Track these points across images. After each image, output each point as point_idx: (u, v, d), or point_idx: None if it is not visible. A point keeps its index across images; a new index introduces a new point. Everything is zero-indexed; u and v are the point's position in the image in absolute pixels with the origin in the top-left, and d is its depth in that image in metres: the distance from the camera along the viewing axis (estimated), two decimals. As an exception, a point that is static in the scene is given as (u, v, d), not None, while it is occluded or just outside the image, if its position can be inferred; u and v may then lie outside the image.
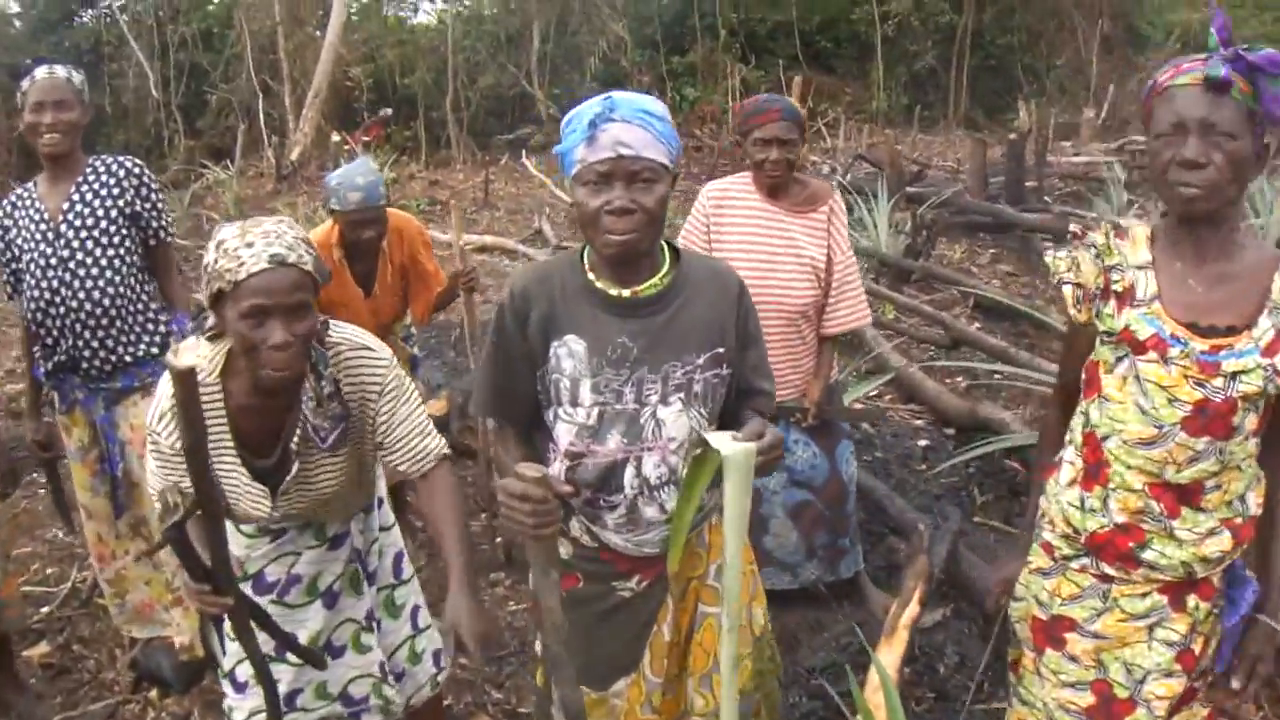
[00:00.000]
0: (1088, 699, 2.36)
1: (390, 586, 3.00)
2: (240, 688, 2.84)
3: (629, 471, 2.37)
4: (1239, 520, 2.22)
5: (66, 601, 4.56)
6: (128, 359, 3.60)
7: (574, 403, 2.35)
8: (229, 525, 2.77)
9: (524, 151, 17.77)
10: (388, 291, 4.41)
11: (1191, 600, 2.27)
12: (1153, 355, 2.13)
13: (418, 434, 2.62)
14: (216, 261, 2.31)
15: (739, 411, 2.45)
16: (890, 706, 2.87)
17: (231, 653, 2.82)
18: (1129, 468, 2.21)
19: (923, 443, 5.83)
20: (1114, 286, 2.20)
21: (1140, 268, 2.18)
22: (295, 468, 2.54)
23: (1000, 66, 22.44)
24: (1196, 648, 2.30)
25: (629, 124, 2.16)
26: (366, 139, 15.10)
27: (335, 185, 4.10)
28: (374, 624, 2.91)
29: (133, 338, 3.60)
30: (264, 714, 2.83)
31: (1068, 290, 2.28)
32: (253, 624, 2.55)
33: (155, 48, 20.14)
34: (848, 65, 22.62)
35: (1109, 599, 2.31)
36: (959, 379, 6.82)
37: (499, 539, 4.82)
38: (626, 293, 2.30)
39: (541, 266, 2.44)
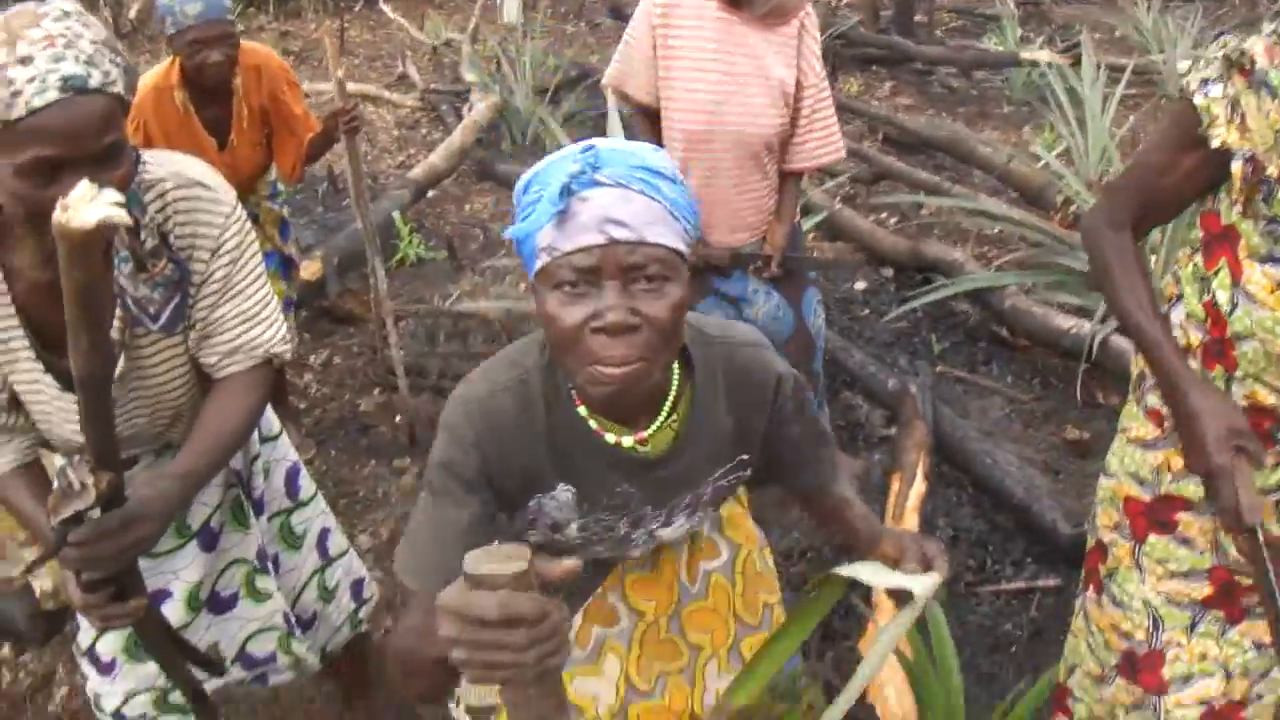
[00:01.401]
0: (1204, 589, 1.86)
1: (285, 512, 2.33)
2: (106, 668, 2.17)
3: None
4: None
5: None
6: None
7: (554, 532, 1.69)
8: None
9: (379, -3, 16.67)
10: (246, 141, 3.64)
11: None
12: None
13: (251, 319, 1.89)
14: None
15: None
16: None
17: (87, 624, 2.12)
18: (1263, 372, 1.67)
19: (860, 285, 5.29)
20: None
21: None
22: (121, 363, 1.79)
23: (872, -102, 21.76)
24: None
25: (625, 189, 1.36)
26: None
27: (168, 2, 3.33)
28: (269, 563, 2.26)
29: None
30: (143, 696, 2.19)
31: (1236, 167, 1.59)
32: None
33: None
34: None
35: None
36: (884, 215, 6.28)
37: (399, 417, 4.17)
38: (628, 441, 1.57)
39: (509, 397, 1.57)
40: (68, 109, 1.49)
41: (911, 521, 3.04)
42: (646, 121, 3.27)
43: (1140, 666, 1.94)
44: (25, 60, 1.47)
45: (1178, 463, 1.83)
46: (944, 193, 5.94)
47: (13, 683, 3.08)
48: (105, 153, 1.56)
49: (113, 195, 1.24)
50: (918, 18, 11.80)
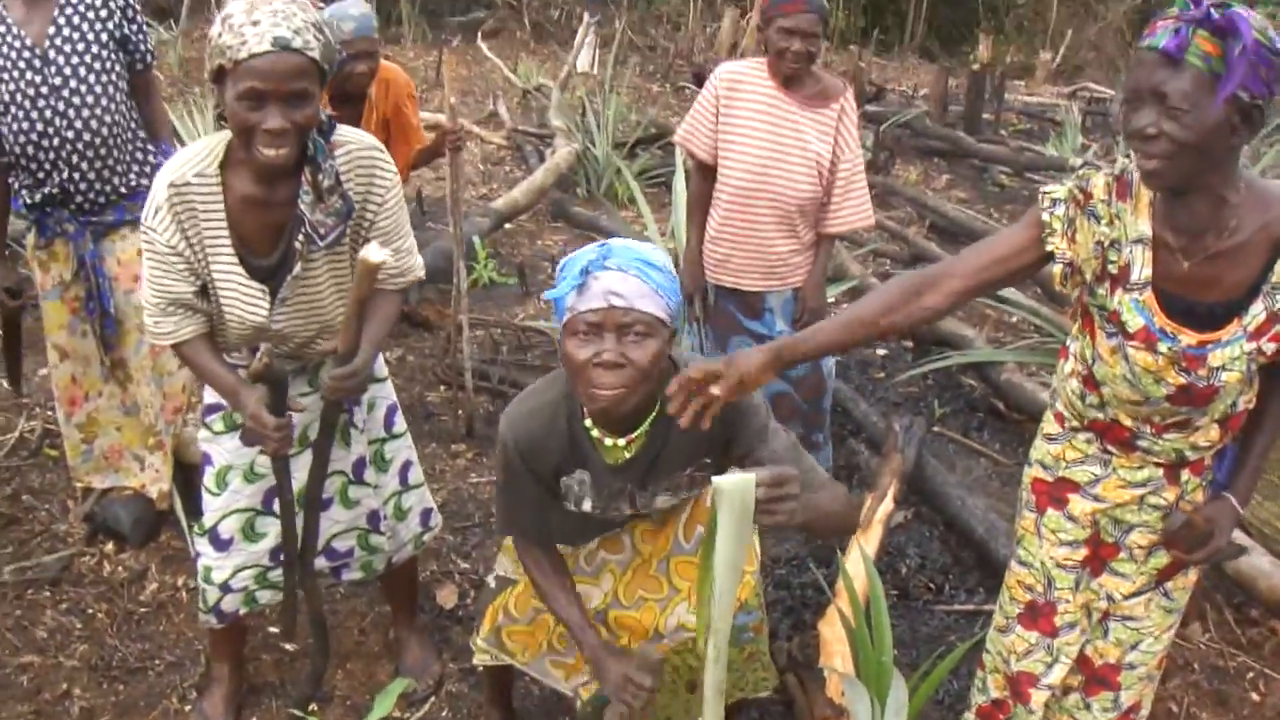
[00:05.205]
0: (1082, 554, 2.46)
1: (380, 440, 2.94)
2: (223, 545, 2.77)
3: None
4: (1228, 415, 2.27)
5: (14, 451, 4.39)
6: (122, 190, 3.43)
7: (577, 506, 2.42)
8: None
9: (479, 35, 17.43)
10: (371, 143, 4.29)
11: (1185, 474, 2.34)
12: (1140, 344, 2.12)
13: (409, 251, 2.66)
14: (220, 36, 2.20)
15: None
16: (873, 587, 2.92)
17: (214, 508, 2.74)
18: (1117, 408, 2.27)
19: (881, 352, 5.87)
20: (1109, 268, 2.13)
21: (1138, 241, 2.10)
22: (297, 268, 2.46)
23: (960, -1, 22.38)
24: None
25: (624, 273, 2.05)
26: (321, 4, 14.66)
27: (326, 18, 3.93)
28: (362, 477, 2.86)
29: (124, 168, 3.42)
30: (247, 571, 2.79)
31: (1057, 269, 2.17)
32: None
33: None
34: (808, -20, 22.37)
35: (1110, 467, 2.37)
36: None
37: (460, 412, 4.77)
38: (622, 442, 2.29)
39: (541, 415, 2.33)
40: (273, 59, 2.20)
41: (876, 532, 3.60)
42: (702, 176, 3.90)
43: (1040, 614, 2.53)
44: (255, 23, 2.19)
45: (1071, 454, 2.43)
46: (971, 279, 6.50)
47: (112, 573, 3.69)
48: (295, 95, 2.24)
49: (386, 253, 2.21)
50: (986, 115, 12.37)
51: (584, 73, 13.05)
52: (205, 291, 2.49)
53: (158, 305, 2.48)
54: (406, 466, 3.03)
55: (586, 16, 13.82)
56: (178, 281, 2.44)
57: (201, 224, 2.40)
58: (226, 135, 2.38)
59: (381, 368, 2.94)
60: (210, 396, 2.71)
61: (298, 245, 2.42)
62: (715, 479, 1.78)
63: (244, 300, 2.47)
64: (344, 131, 2.47)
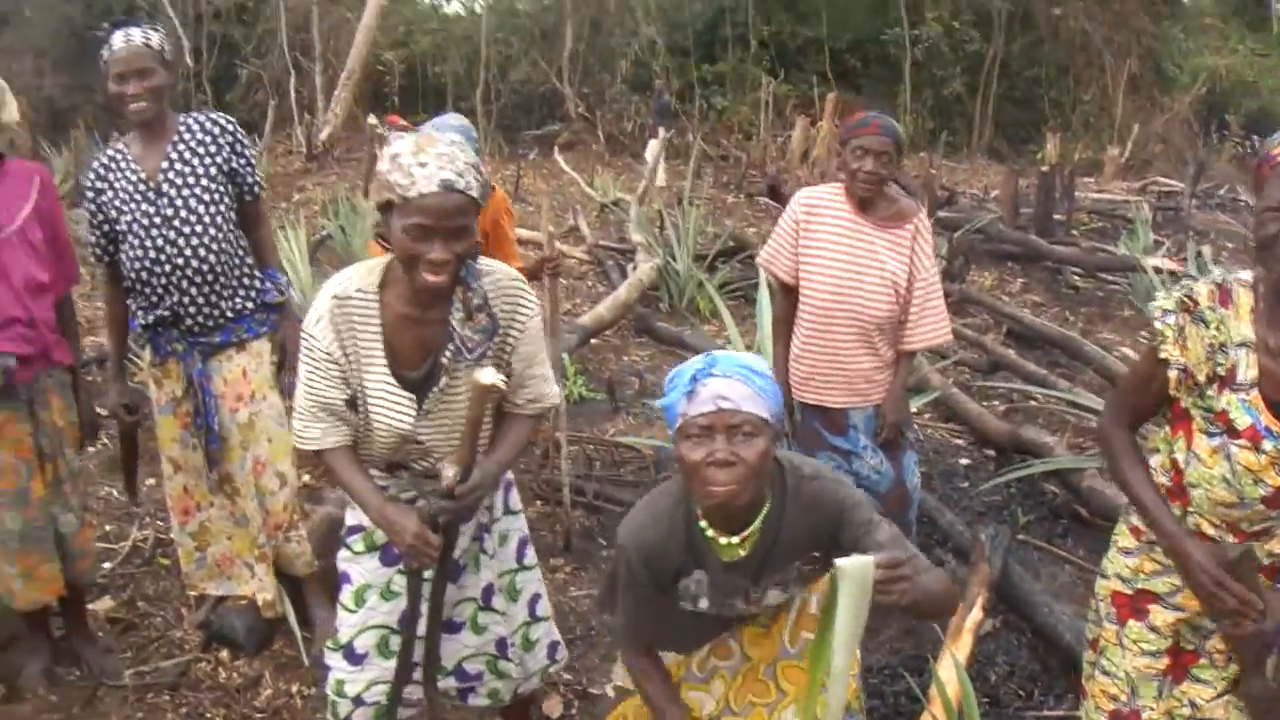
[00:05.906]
0: (1165, 662, 2.59)
1: (512, 571, 3.08)
2: (358, 660, 2.90)
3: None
4: None
5: (128, 559, 4.65)
6: (229, 314, 3.71)
7: (693, 605, 2.60)
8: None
9: (556, 148, 17.94)
10: (470, 257, 4.53)
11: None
12: (1246, 443, 2.28)
13: (545, 379, 2.84)
14: (390, 173, 2.44)
15: None
16: (965, 694, 3.06)
17: (350, 624, 2.90)
18: (1206, 512, 2.42)
19: (964, 461, 6.01)
20: (1218, 370, 2.31)
21: (1242, 345, 2.29)
22: (443, 380, 2.66)
23: (1026, 98, 22.66)
24: None
25: (729, 378, 2.28)
26: (404, 125, 15.18)
27: (430, 129, 4.08)
28: (491, 603, 3.00)
29: (230, 293, 3.71)
30: (380, 686, 2.92)
31: (1172, 374, 2.35)
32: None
33: (189, 17, 20.22)
34: (875, 86, 22.81)
35: None
36: (995, 403, 7.00)
37: (558, 526, 4.97)
38: (736, 540, 2.46)
39: (659, 522, 2.54)
40: (440, 198, 2.43)
41: (966, 640, 3.73)
42: (784, 296, 4.13)
43: None
44: (423, 164, 2.43)
45: (1149, 566, 2.58)
46: (1051, 385, 6.64)
47: (228, 679, 3.89)
48: (457, 230, 2.48)
49: (499, 377, 2.42)
50: (1057, 216, 12.51)
51: (659, 187, 13.40)
52: (354, 404, 2.70)
53: (309, 409, 2.69)
54: (535, 599, 3.16)
55: (661, 131, 14.21)
56: (330, 387, 2.65)
57: (358, 335, 2.64)
58: (386, 259, 2.64)
59: (515, 501, 3.10)
60: (352, 518, 2.89)
61: (444, 360, 2.64)
62: (838, 561, 2.03)
63: (392, 408, 2.67)
64: (485, 260, 2.71)
